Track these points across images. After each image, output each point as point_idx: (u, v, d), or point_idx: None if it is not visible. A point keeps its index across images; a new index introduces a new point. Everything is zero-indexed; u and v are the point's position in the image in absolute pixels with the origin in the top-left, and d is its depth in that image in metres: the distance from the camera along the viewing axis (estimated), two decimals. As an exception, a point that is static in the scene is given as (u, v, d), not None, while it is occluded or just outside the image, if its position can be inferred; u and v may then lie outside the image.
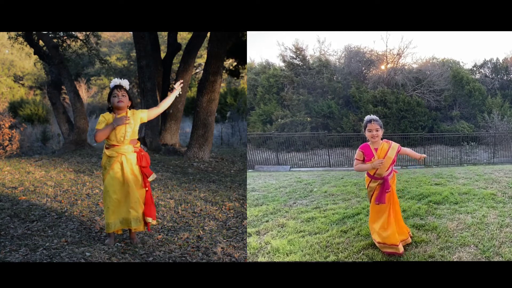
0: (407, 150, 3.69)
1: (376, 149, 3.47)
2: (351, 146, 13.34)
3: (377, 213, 3.53)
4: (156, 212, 4.16)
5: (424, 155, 3.80)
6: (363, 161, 3.49)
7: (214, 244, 4.04)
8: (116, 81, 3.90)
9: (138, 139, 4.07)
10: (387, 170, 3.48)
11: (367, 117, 3.50)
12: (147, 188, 3.96)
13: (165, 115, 11.05)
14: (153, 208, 4.04)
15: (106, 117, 3.83)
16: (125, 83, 3.91)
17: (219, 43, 8.97)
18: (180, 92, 4.19)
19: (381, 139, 3.50)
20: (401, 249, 3.42)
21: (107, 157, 3.85)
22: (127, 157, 3.86)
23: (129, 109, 3.92)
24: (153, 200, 4.08)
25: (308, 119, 15.47)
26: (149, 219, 3.96)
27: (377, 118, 3.47)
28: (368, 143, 3.51)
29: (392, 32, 15.97)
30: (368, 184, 3.57)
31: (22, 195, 5.66)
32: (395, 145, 3.49)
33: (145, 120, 4.01)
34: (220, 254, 3.80)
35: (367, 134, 3.46)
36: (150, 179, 3.98)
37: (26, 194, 5.71)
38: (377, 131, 3.41)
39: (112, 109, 3.88)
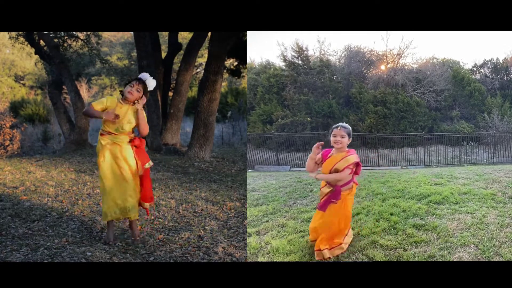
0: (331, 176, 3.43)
1: (329, 156, 3.42)
2: (351, 146, 13.33)
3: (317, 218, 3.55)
4: (153, 198, 4.18)
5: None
6: (319, 162, 3.46)
7: (215, 244, 4.05)
8: (144, 76, 3.90)
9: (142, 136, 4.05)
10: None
11: (337, 124, 3.48)
12: (141, 173, 3.95)
13: (166, 115, 11.06)
14: (149, 192, 4.04)
15: (109, 100, 3.83)
16: (151, 83, 3.91)
17: (220, 43, 8.97)
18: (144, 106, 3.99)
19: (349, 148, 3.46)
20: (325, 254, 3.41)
21: (101, 145, 3.86)
22: (122, 146, 3.86)
23: (138, 103, 3.89)
24: (150, 185, 4.09)
25: (308, 119, 15.47)
26: (146, 204, 4.02)
27: (346, 126, 3.40)
28: (333, 149, 3.47)
29: (392, 32, 15.98)
30: (321, 188, 3.56)
31: (23, 194, 5.67)
32: (350, 158, 3.37)
33: None
34: (221, 254, 3.81)
35: (332, 139, 3.40)
36: (146, 166, 3.98)
37: (27, 194, 5.73)
38: (342, 137, 3.34)
39: (123, 94, 3.88)
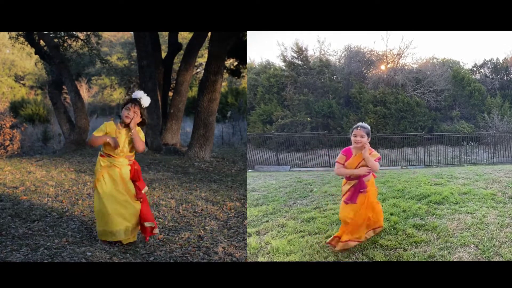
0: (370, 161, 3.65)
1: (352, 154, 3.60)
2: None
3: (347, 213, 3.58)
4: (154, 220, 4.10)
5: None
6: (343, 164, 3.61)
7: (215, 244, 4.05)
8: (138, 94, 3.87)
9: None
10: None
11: (357, 124, 3.66)
12: (141, 199, 3.93)
13: (166, 115, 11.07)
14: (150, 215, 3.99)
15: (108, 127, 3.82)
16: (145, 101, 3.87)
17: (220, 43, 8.97)
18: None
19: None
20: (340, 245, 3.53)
21: (100, 166, 3.84)
22: (121, 170, 3.84)
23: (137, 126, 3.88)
24: (149, 208, 4.04)
25: (308, 119, 15.47)
26: (148, 224, 3.92)
27: (366, 125, 3.60)
28: (351, 147, 3.61)
29: (392, 32, 15.99)
30: (342, 186, 3.68)
31: (23, 195, 5.67)
32: (374, 153, 3.60)
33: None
34: (221, 254, 3.81)
35: (352, 138, 3.58)
36: (143, 191, 3.96)
37: (27, 194, 5.73)
38: (361, 137, 3.51)
39: (121, 118, 3.87)
